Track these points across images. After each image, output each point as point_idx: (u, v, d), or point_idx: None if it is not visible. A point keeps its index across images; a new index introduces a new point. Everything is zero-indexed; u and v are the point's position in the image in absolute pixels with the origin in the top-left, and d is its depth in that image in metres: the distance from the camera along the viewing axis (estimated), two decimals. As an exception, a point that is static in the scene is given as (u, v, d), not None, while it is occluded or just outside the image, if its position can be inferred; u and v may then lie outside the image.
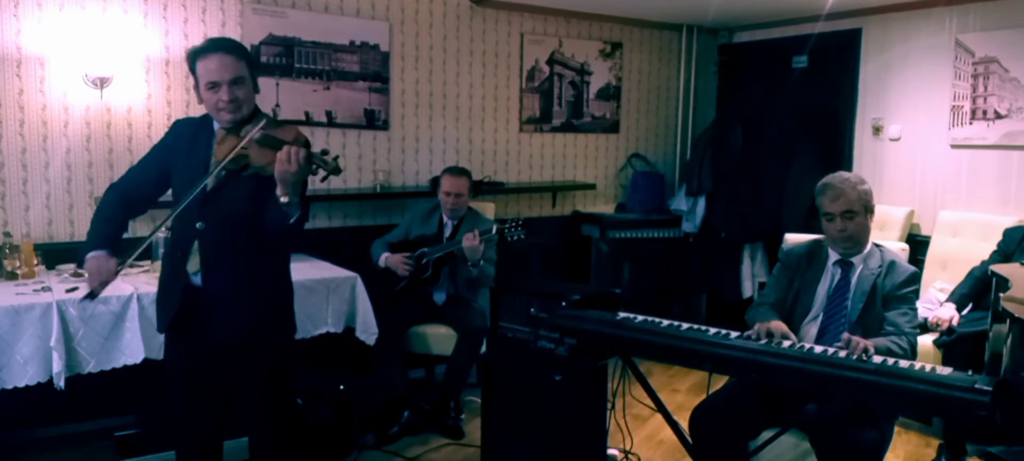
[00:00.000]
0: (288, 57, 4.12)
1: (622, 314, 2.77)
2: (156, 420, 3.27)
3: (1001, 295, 2.27)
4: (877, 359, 2.24)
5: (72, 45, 3.57)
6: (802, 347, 2.38)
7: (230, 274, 2.38)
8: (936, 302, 3.80)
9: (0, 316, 2.82)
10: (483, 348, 3.76)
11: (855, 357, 2.25)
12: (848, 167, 4.79)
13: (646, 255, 5.23)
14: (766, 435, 2.70)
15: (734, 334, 2.50)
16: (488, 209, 4.47)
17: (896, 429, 2.79)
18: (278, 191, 2.23)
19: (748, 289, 5.22)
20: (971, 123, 4.30)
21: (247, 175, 2.30)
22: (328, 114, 4.28)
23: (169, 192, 2.49)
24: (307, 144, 2.29)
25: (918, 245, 4.35)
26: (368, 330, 3.55)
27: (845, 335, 2.37)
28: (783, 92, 5.27)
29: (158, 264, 2.65)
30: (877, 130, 4.78)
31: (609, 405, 3.12)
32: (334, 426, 3.42)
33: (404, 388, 3.78)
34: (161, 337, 2.62)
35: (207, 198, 2.31)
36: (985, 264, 3.69)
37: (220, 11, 3.93)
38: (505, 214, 4.82)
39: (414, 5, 4.52)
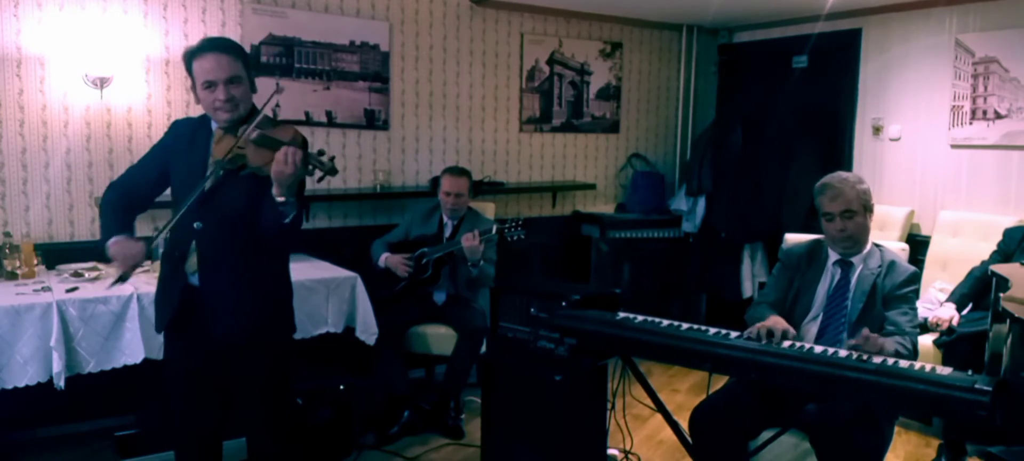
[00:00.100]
0: (288, 57, 4.12)
1: (622, 314, 2.77)
2: (156, 420, 3.27)
3: (1001, 295, 2.27)
4: (877, 359, 2.24)
5: (72, 45, 3.57)
6: (802, 347, 2.38)
7: (228, 274, 2.38)
8: (936, 302, 3.79)
9: (0, 316, 2.82)
10: (483, 348, 3.76)
11: (867, 356, 2.24)
12: (848, 167, 4.79)
13: (646, 255, 5.23)
14: (766, 435, 2.70)
15: (734, 334, 2.50)
16: (488, 209, 4.47)
17: (896, 429, 2.79)
18: (274, 191, 2.23)
19: (748, 289, 5.22)
20: (971, 123, 4.30)
21: (244, 175, 2.30)
22: (328, 114, 4.28)
23: (168, 192, 2.49)
24: (304, 144, 2.29)
25: (918, 245, 4.35)
26: (368, 330, 3.55)
27: (864, 331, 2.35)
28: (783, 92, 5.27)
29: (158, 264, 2.65)
30: (877, 130, 4.78)
31: (609, 405, 3.12)
32: (334, 426, 3.42)
33: (404, 388, 3.78)
34: (161, 337, 2.62)
35: (205, 198, 2.31)
36: (985, 264, 3.69)
37: (220, 11, 3.93)
38: (505, 214, 4.82)
39: (414, 5, 4.52)
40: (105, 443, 3.52)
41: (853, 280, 2.73)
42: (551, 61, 5.08)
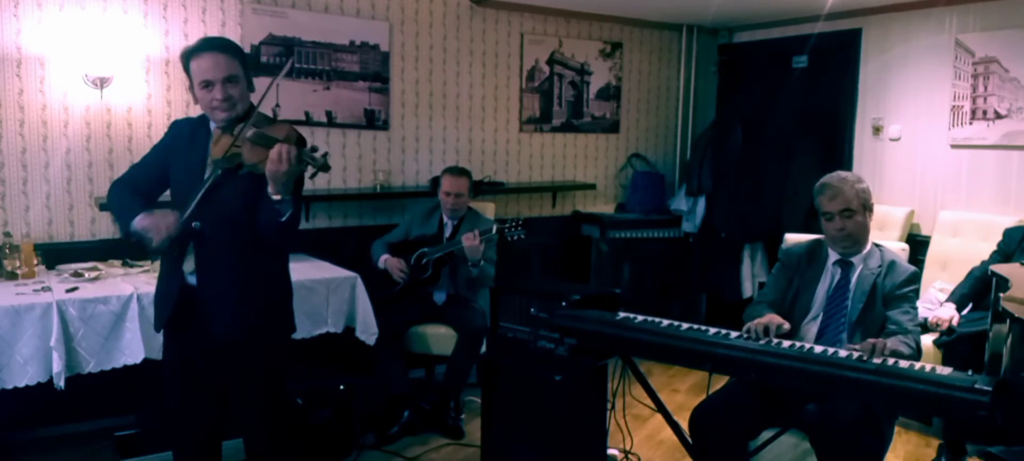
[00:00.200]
0: (288, 57, 4.11)
1: (622, 314, 2.77)
2: (156, 420, 3.27)
3: (1001, 295, 2.26)
4: (876, 359, 2.24)
5: (72, 45, 3.57)
6: (802, 347, 2.38)
7: (226, 273, 2.38)
8: (936, 302, 3.79)
9: (0, 316, 2.82)
10: (483, 348, 3.76)
11: (867, 356, 2.24)
12: (848, 167, 4.79)
13: (646, 255, 5.24)
14: (766, 435, 2.70)
15: (734, 334, 2.51)
16: (488, 209, 4.47)
17: (896, 429, 2.79)
18: (270, 189, 2.23)
19: (748, 289, 5.22)
20: (971, 123, 4.30)
21: (242, 174, 2.30)
22: (328, 114, 4.28)
23: (167, 193, 2.49)
24: (300, 141, 2.29)
25: (918, 245, 4.35)
26: (368, 330, 3.55)
27: (870, 341, 2.34)
28: (783, 92, 5.27)
29: (158, 263, 2.66)
30: (877, 130, 4.78)
31: (609, 405, 3.12)
32: (334, 426, 3.42)
33: (404, 388, 3.78)
34: (161, 337, 2.62)
35: (203, 197, 2.31)
36: (985, 264, 3.69)
37: (220, 11, 3.93)
38: (505, 214, 4.82)
39: (414, 5, 4.52)
40: (105, 443, 3.52)
41: (853, 280, 2.73)
42: (551, 61, 5.08)
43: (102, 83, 3.62)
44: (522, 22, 4.93)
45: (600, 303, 2.91)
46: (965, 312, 3.66)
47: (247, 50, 3.90)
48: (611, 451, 3.37)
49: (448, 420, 3.83)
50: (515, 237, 3.71)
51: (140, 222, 2.28)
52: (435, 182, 4.13)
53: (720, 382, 2.90)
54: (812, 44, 5.04)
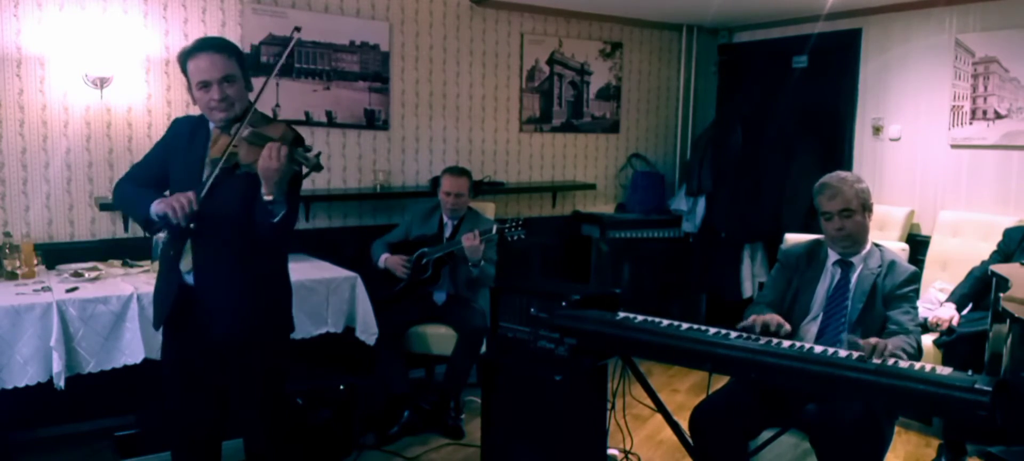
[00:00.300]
0: (288, 57, 4.11)
1: (622, 314, 2.77)
2: (156, 420, 3.26)
3: (1001, 295, 2.27)
4: (876, 359, 2.24)
5: (72, 45, 3.57)
6: (802, 347, 2.38)
7: (224, 273, 2.38)
8: (936, 302, 3.79)
9: (0, 316, 2.82)
10: (483, 348, 3.76)
11: (879, 360, 2.23)
12: (848, 167, 4.79)
13: (646, 255, 5.24)
14: (766, 435, 2.70)
15: (734, 334, 2.50)
16: (488, 209, 4.47)
17: (896, 429, 2.79)
18: (263, 190, 2.23)
19: (748, 289, 5.22)
20: (971, 123, 4.30)
21: (239, 174, 2.30)
22: (328, 114, 4.28)
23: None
24: (295, 140, 2.29)
25: (918, 245, 4.35)
26: (368, 330, 3.55)
27: (872, 340, 2.34)
28: (783, 92, 5.27)
29: (157, 263, 2.66)
30: (877, 130, 4.78)
31: (609, 405, 3.12)
32: (334, 426, 3.42)
33: (404, 388, 3.78)
34: (161, 337, 2.62)
35: (202, 197, 2.31)
36: (985, 264, 3.69)
37: (220, 11, 3.93)
38: (505, 214, 4.82)
39: (414, 5, 4.52)
40: (105, 443, 3.52)
41: (853, 280, 2.73)
42: (551, 61, 5.08)
43: (102, 83, 3.62)
44: (522, 22, 4.93)
45: (600, 303, 2.90)
46: (965, 312, 3.66)
47: (247, 50, 3.91)
48: (611, 451, 3.37)
49: (448, 420, 3.83)
50: (515, 237, 3.71)
51: (157, 206, 2.27)
52: (435, 182, 4.13)
53: (720, 382, 2.89)
54: (812, 44, 5.04)
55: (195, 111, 2.50)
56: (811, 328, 2.75)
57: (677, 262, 5.36)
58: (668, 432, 3.17)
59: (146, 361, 3.00)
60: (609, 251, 5.10)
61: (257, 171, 2.23)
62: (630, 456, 3.52)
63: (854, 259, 2.76)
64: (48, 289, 3.06)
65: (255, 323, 2.43)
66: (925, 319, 3.58)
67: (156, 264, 3.32)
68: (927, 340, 3.57)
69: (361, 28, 4.33)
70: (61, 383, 2.84)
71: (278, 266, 2.54)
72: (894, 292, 2.66)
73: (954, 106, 4.37)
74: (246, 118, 2.31)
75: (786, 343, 2.42)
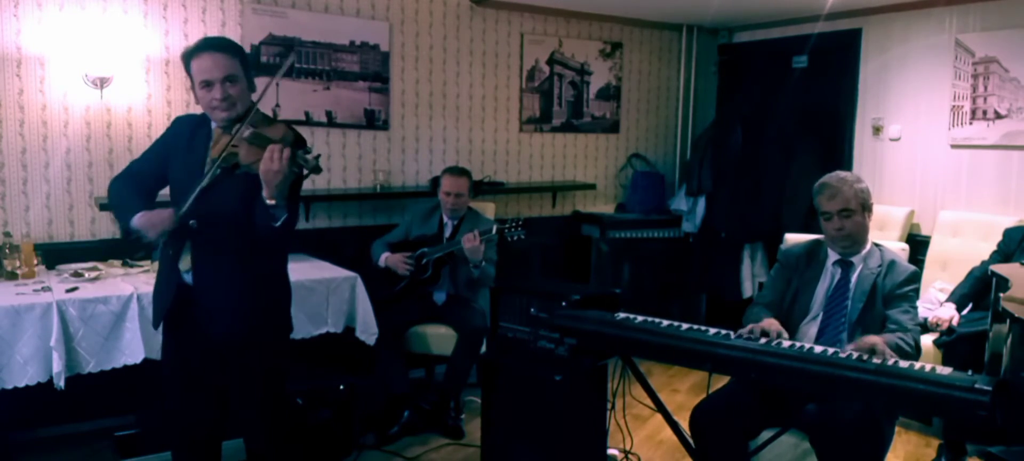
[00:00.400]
0: (288, 57, 4.10)
1: (622, 314, 2.77)
2: (156, 420, 3.27)
3: (1001, 295, 2.27)
4: (876, 359, 2.24)
5: (72, 45, 3.57)
6: (802, 347, 2.38)
7: (221, 273, 2.38)
8: (936, 302, 3.79)
9: (0, 316, 2.81)
10: (483, 348, 3.76)
11: (867, 356, 2.23)
12: (848, 167, 4.79)
13: (646, 255, 5.24)
14: (766, 435, 2.70)
15: (734, 334, 2.50)
16: (488, 209, 4.47)
17: (896, 429, 2.79)
18: (264, 193, 2.22)
19: (748, 289, 5.22)
20: (971, 123, 4.30)
21: (239, 174, 2.30)
22: (328, 114, 4.28)
23: (166, 191, 2.49)
24: (296, 141, 2.29)
25: (918, 245, 4.35)
26: (368, 330, 3.55)
27: (871, 338, 2.33)
28: (783, 92, 5.27)
29: (157, 263, 2.66)
30: (877, 130, 4.78)
31: (609, 405, 3.12)
32: (334, 426, 3.42)
33: (404, 388, 3.78)
34: (161, 337, 2.62)
35: (200, 196, 2.31)
36: (985, 264, 3.69)
37: (220, 11, 3.93)
38: (505, 214, 4.82)
39: (414, 5, 4.52)
40: (105, 443, 3.52)
41: (853, 280, 2.73)
42: (551, 61, 5.08)
43: (102, 83, 3.62)
44: (522, 22, 4.93)
45: (600, 303, 2.90)
46: (965, 312, 3.67)
47: (247, 50, 3.90)
48: (611, 451, 3.37)
49: (448, 420, 3.83)
50: (515, 237, 3.71)
51: (137, 220, 2.29)
52: (435, 182, 4.13)
53: (720, 382, 2.89)
54: (812, 44, 5.04)
55: (197, 110, 2.50)
56: (811, 328, 2.75)
57: (677, 262, 5.36)
58: (668, 432, 3.17)
59: (146, 361, 3.00)
60: (609, 251, 5.10)
61: (257, 172, 2.23)
62: (630, 456, 3.52)
63: (854, 259, 2.76)
64: (48, 289, 3.06)
65: (254, 323, 2.43)
66: (925, 319, 3.58)
67: (156, 264, 3.33)
68: (927, 340, 3.57)
69: (361, 28, 4.33)
70: (61, 383, 2.84)
71: (277, 266, 2.54)
72: (894, 292, 2.65)
73: (954, 106, 4.37)
74: (247, 118, 2.31)
75: (786, 343, 2.42)
